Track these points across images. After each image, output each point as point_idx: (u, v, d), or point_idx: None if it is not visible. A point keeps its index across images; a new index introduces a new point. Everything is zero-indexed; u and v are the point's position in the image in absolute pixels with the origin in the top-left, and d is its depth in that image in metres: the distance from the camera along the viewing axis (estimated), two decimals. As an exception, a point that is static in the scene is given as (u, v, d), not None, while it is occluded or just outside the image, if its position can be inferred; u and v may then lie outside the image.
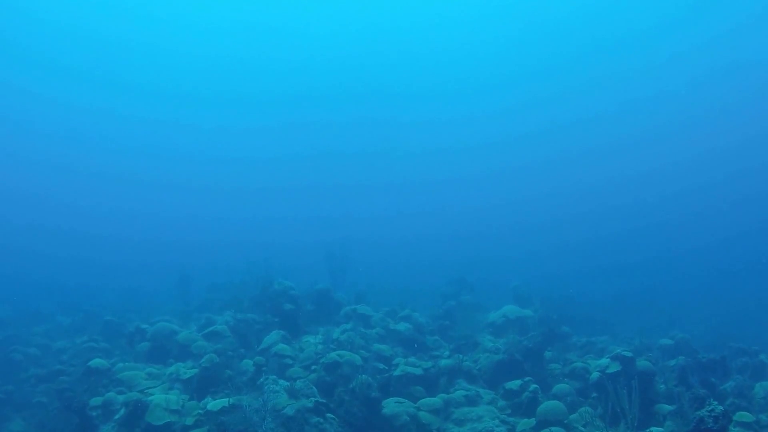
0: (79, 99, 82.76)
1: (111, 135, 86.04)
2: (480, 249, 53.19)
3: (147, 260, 53.51)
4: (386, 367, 14.70)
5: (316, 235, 53.42)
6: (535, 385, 13.49)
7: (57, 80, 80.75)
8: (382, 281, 27.83)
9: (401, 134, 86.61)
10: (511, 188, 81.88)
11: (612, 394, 10.91)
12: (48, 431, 12.39)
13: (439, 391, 14.03)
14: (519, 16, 75.22)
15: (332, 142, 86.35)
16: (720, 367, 14.60)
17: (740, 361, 16.39)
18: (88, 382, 14.06)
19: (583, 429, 11.90)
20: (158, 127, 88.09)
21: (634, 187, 75.94)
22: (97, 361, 14.98)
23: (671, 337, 17.95)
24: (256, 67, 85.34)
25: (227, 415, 10.95)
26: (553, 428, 11.53)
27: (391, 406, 12.38)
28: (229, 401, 11.52)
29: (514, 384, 13.77)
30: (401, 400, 12.75)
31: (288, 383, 12.79)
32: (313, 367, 14.30)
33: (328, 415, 11.59)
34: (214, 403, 11.83)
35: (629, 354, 13.61)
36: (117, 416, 12.37)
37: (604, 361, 14.02)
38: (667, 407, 12.38)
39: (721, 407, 9.47)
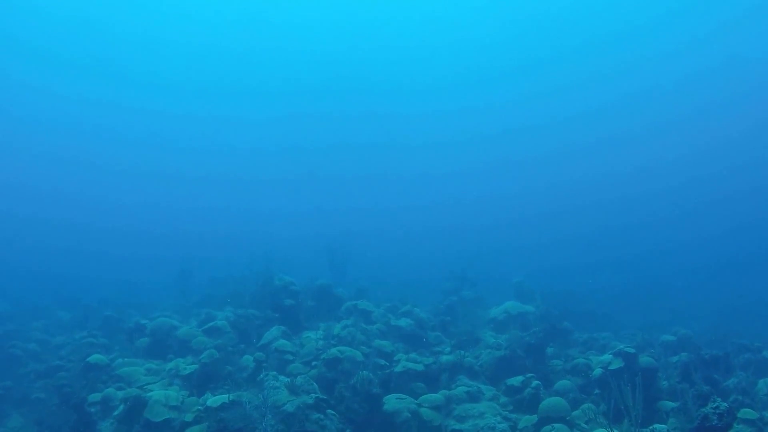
0: (78, 91, 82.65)
1: (111, 126, 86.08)
2: (481, 242, 53.20)
3: (147, 252, 53.55)
4: (387, 363, 14.62)
5: (317, 228, 53.47)
6: (537, 382, 13.40)
7: (57, 72, 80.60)
8: (382, 276, 27.80)
9: (402, 127, 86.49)
10: (513, 181, 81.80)
11: (615, 390, 10.80)
12: (46, 427, 12.29)
13: (440, 387, 13.94)
14: (518, 11, 75.09)
15: (333, 135, 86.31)
16: (723, 364, 14.48)
17: (743, 358, 16.29)
18: (87, 378, 14.02)
19: (585, 426, 11.81)
20: (159, 118, 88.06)
21: (638, 180, 75.90)
22: (96, 357, 14.94)
23: (674, 333, 17.82)
24: (258, 60, 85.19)
25: (227, 412, 10.85)
26: (555, 425, 11.44)
27: (392, 402, 12.29)
28: (229, 397, 11.44)
29: (515, 380, 13.69)
30: (402, 396, 12.66)
31: (288, 379, 12.72)
32: (313, 363, 14.23)
33: (329, 411, 11.50)
34: (213, 399, 11.73)
35: (632, 350, 13.51)
36: (116, 412, 12.30)
37: (607, 357, 13.93)
38: (671, 404, 12.28)
39: (725, 404, 9.35)
